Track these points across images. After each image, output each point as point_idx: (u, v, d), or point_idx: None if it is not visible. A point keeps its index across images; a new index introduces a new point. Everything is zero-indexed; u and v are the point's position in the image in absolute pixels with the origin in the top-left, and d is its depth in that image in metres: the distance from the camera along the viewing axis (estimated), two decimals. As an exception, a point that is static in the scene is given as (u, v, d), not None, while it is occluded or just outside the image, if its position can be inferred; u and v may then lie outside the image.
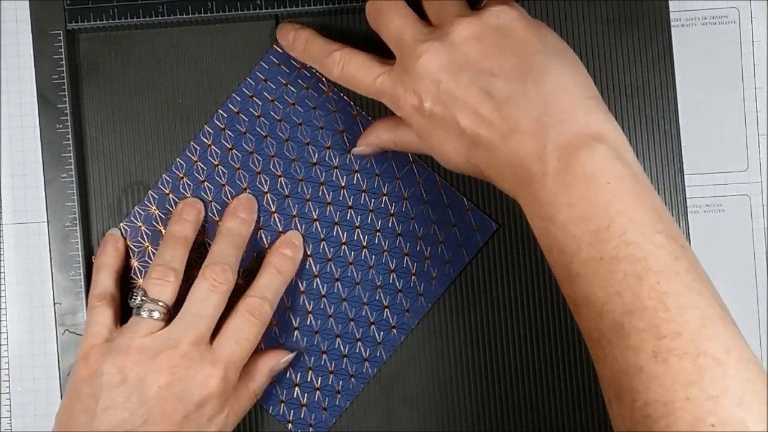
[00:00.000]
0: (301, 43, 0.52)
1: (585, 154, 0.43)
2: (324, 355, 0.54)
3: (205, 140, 0.55)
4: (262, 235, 0.54)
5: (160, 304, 0.49)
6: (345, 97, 0.55)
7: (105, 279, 0.52)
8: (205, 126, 0.55)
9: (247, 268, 0.54)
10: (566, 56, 0.46)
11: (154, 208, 0.55)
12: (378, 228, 0.54)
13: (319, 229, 0.54)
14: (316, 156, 0.55)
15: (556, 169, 0.43)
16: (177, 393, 0.47)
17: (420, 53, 0.46)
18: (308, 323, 0.54)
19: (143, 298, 0.49)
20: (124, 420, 0.47)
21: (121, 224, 0.55)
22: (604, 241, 0.42)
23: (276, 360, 0.53)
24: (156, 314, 0.49)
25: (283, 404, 0.54)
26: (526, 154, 0.44)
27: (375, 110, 0.55)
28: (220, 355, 0.49)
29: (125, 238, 0.54)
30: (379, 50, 0.55)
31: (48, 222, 0.54)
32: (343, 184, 0.55)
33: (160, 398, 0.47)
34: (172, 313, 0.50)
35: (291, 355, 0.53)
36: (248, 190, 0.55)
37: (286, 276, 0.53)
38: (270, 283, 0.52)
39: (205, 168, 0.55)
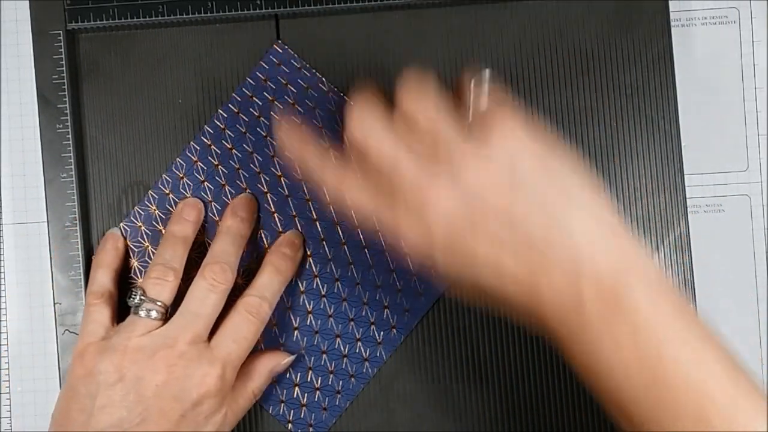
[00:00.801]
0: (294, 150, 0.47)
1: (623, 295, 0.41)
2: (324, 355, 0.54)
3: (205, 140, 0.55)
4: (262, 235, 0.54)
5: (159, 303, 0.49)
6: (345, 97, 0.55)
7: (103, 277, 0.52)
8: (205, 126, 0.55)
9: (247, 268, 0.54)
10: (579, 182, 0.43)
11: (154, 208, 0.55)
12: (378, 228, 0.54)
13: (319, 229, 0.55)
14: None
15: (596, 316, 0.41)
16: (174, 392, 0.47)
17: (427, 199, 0.42)
18: (308, 323, 0.54)
19: (142, 297, 0.49)
20: (121, 419, 0.47)
21: (121, 224, 0.55)
22: (660, 382, 0.41)
23: (276, 361, 0.53)
24: (154, 313, 0.49)
25: (283, 404, 0.54)
26: (559, 301, 0.42)
27: (375, 110, 0.55)
28: (218, 354, 0.49)
29: (125, 238, 0.54)
30: (381, 49, 0.55)
31: (48, 222, 0.54)
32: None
33: (157, 397, 0.47)
34: (170, 312, 0.50)
35: (291, 357, 0.53)
36: (248, 190, 0.55)
37: (286, 275, 0.53)
38: (269, 282, 0.52)
39: (205, 168, 0.55)
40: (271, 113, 0.55)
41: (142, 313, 0.49)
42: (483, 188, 0.42)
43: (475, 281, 0.43)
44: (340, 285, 0.54)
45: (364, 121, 0.44)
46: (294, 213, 0.55)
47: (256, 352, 0.52)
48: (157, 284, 0.50)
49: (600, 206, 0.43)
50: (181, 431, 0.47)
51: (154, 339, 0.48)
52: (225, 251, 0.51)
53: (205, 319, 0.49)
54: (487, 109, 0.44)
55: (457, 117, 0.44)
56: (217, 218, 0.54)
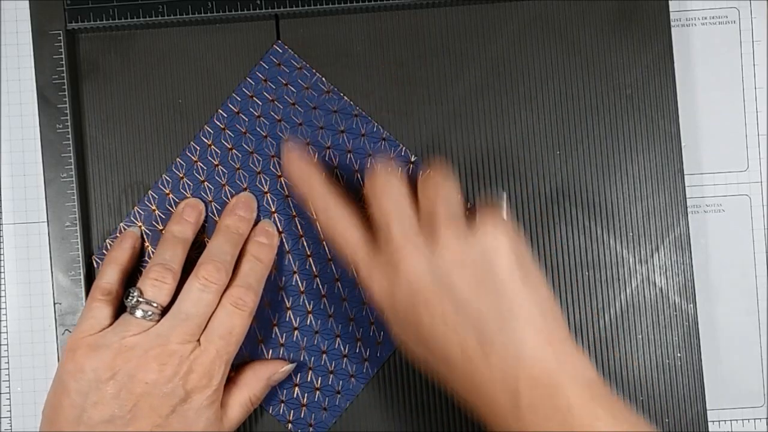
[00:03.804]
0: (301, 178, 0.51)
1: (557, 394, 0.44)
2: (324, 355, 0.54)
3: (205, 140, 0.55)
4: (262, 235, 0.54)
5: (155, 305, 0.50)
6: (345, 97, 0.55)
7: (112, 274, 0.52)
8: (205, 126, 0.55)
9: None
10: (541, 295, 0.46)
11: (154, 208, 0.55)
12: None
13: (320, 229, 0.54)
14: (316, 156, 0.55)
15: (530, 412, 0.44)
16: (164, 389, 0.48)
17: (402, 257, 0.46)
18: (308, 323, 0.54)
19: (139, 298, 0.49)
20: (113, 415, 0.47)
21: (121, 224, 0.55)
22: None
23: (274, 369, 0.53)
24: (150, 314, 0.49)
25: (283, 404, 0.54)
26: (495, 395, 0.45)
27: (375, 110, 0.55)
28: (206, 351, 0.49)
29: (143, 240, 0.54)
30: (381, 49, 0.55)
31: (48, 222, 0.54)
32: (343, 184, 0.55)
33: (147, 394, 0.48)
34: (166, 312, 0.50)
35: (289, 366, 0.53)
36: (248, 190, 0.55)
37: (266, 262, 0.53)
38: (250, 269, 0.52)
39: (205, 168, 0.55)
40: (271, 113, 0.55)
41: (139, 314, 0.49)
42: (454, 271, 0.46)
43: (420, 353, 0.47)
44: (340, 285, 0.54)
45: (387, 175, 0.49)
46: (294, 213, 0.55)
47: (254, 360, 0.53)
48: (154, 285, 0.50)
49: (554, 323, 0.46)
50: (172, 425, 0.48)
51: (147, 338, 0.49)
52: (220, 250, 0.51)
53: (198, 319, 0.49)
54: (486, 209, 0.48)
55: (459, 205, 0.48)
56: (217, 218, 0.54)
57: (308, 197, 0.51)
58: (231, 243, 0.52)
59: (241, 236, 0.53)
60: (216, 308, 0.50)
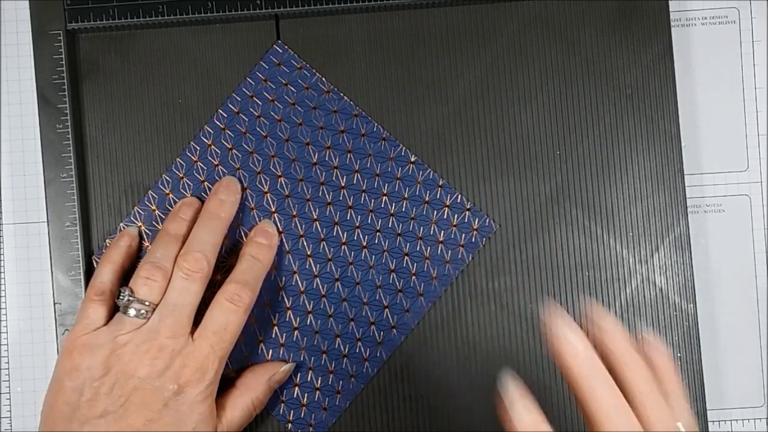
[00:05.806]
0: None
1: None
2: (324, 355, 0.54)
3: (205, 140, 0.55)
4: (262, 235, 0.54)
5: (146, 303, 0.50)
6: (345, 97, 0.55)
7: (108, 274, 0.52)
8: (205, 126, 0.55)
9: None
10: None
11: (154, 208, 0.55)
12: (378, 228, 0.55)
13: (319, 229, 0.55)
14: (316, 156, 0.55)
15: None
16: (156, 383, 0.48)
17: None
18: (308, 323, 0.54)
19: (130, 297, 0.50)
20: (106, 410, 0.48)
21: (121, 224, 0.55)
22: None
23: (273, 369, 0.53)
24: (142, 312, 0.50)
25: (283, 404, 0.54)
26: None
27: (375, 110, 0.55)
28: (199, 346, 0.49)
29: (141, 239, 0.54)
30: (381, 49, 0.55)
31: (48, 222, 0.54)
32: (343, 184, 0.55)
33: (139, 389, 0.48)
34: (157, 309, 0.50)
35: (289, 366, 0.53)
36: (248, 190, 0.55)
37: (265, 263, 0.53)
38: (248, 268, 0.52)
39: (205, 168, 0.55)
40: (271, 113, 0.55)
41: (132, 313, 0.50)
42: None
43: None
44: (340, 285, 0.54)
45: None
46: (294, 213, 0.55)
47: (254, 364, 0.53)
48: (145, 284, 0.50)
49: None
50: (164, 419, 0.48)
51: (138, 334, 0.49)
52: (200, 240, 0.51)
53: (185, 309, 0.49)
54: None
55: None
56: (217, 218, 0.54)
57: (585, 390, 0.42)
58: (210, 229, 0.52)
59: (224, 220, 0.52)
60: (211, 303, 0.50)
